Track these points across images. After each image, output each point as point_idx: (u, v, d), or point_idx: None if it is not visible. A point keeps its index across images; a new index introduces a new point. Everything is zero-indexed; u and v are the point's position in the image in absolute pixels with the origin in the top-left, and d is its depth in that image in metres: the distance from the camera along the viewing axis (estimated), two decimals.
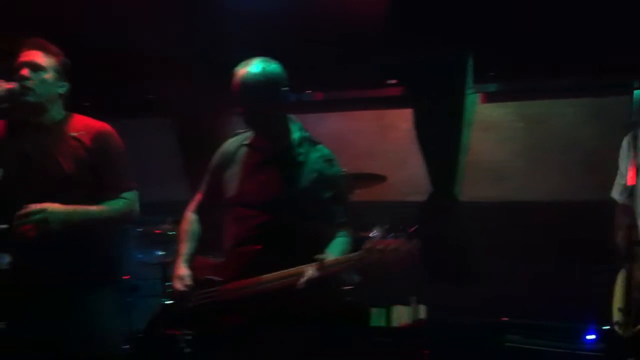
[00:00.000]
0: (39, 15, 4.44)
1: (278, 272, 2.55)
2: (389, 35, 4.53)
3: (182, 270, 2.76)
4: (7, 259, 4.96)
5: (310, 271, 2.49)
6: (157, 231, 4.93)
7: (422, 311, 4.95)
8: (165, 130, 5.60)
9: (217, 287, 2.69)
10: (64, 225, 2.53)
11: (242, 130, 2.90)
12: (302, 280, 2.48)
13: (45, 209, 2.50)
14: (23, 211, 2.47)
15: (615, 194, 3.23)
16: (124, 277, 4.91)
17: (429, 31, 4.48)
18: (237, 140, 2.88)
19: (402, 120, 5.33)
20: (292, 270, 2.54)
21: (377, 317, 4.95)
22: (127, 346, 4.67)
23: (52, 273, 2.63)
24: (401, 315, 4.99)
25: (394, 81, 5.28)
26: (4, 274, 5.00)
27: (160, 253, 5.03)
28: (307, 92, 5.39)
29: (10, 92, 2.56)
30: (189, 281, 2.71)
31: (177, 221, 4.78)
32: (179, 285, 2.71)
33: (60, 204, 2.56)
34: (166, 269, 4.92)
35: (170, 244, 4.92)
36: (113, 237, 2.90)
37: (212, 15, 4.46)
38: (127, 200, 2.77)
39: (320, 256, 2.52)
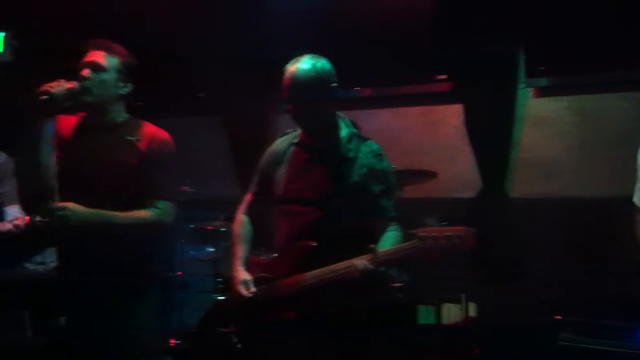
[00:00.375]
0: (89, 15, 4.57)
1: (331, 266, 2.57)
2: (438, 29, 4.50)
3: (243, 274, 2.80)
4: (52, 255, 5.14)
5: (363, 262, 2.51)
6: (209, 227, 5.00)
7: (472, 309, 4.89)
8: (215, 128, 5.67)
9: (271, 284, 2.72)
10: (83, 224, 2.57)
11: (290, 130, 2.92)
12: (356, 270, 2.50)
13: (66, 207, 2.55)
14: (48, 206, 2.54)
15: (636, 199, 3.13)
16: (175, 273, 5.01)
17: (479, 25, 4.43)
18: (286, 140, 2.91)
19: (452, 116, 5.28)
20: (345, 262, 2.55)
21: (426, 315, 4.91)
22: (179, 341, 4.77)
23: (96, 270, 2.68)
24: (451, 313, 4.94)
25: (443, 76, 5.23)
26: (54, 269, 5.18)
27: (210, 249, 5.10)
28: (356, 88, 5.39)
29: (70, 91, 2.59)
30: (252, 287, 2.75)
31: (229, 218, 4.89)
32: (244, 291, 2.74)
33: (84, 205, 2.60)
34: (217, 265, 5.01)
35: (222, 240, 5.00)
36: (160, 235, 2.92)
37: (260, 12, 4.49)
38: (158, 211, 2.77)
39: (372, 246, 2.54)
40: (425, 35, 4.55)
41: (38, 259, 5.29)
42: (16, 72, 5.17)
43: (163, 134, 2.85)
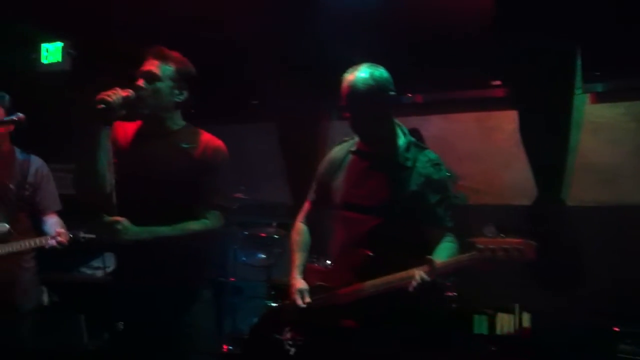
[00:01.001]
0: (146, 22, 4.65)
1: (388, 276, 2.57)
2: (493, 34, 4.44)
3: (300, 282, 2.82)
4: (113, 260, 5.23)
5: (420, 273, 2.50)
6: (262, 234, 5.01)
7: (527, 319, 4.80)
8: (269, 134, 5.70)
9: (328, 293, 2.73)
10: (133, 240, 2.59)
11: (348, 138, 2.92)
12: (413, 282, 2.49)
13: (119, 222, 2.57)
14: (105, 218, 2.56)
15: None
16: (228, 279, 5.05)
17: (535, 30, 4.35)
18: (344, 148, 2.91)
19: (507, 121, 5.19)
20: (402, 273, 2.55)
21: (480, 325, 4.84)
22: (231, 347, 4.80)
23: (151, 276, 2.69)
24: (505, 323, 4.85)
25: (498, 82, 5.16)
26: (111, 274, 5.26)
27: (263, 256, 5.13)
28: (408, 94, 5.35)
29: (125, 99, 2.59)
30: (308, 297, 2.76)
31: (282, 225, 4.92)
32: (300, 301, 2.76)
33: (138, 213, 2.60)
34: (270, 272, 5.03)
35: (275, 247, 5.02)
36: (213, 241, 2.95)
37: (314, 19, 4.51)
38: (209, 221, 2.77)
39: (431, 256, 2.53)
40: (480, 40, 4.49)
41: (95, 263, 5.42)
42: (74, 80, 5.31)
43: (217, 142, 2.84)
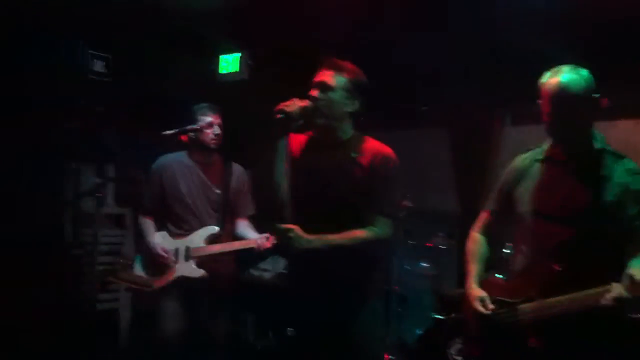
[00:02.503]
0: (319, 34, 4.73)
1: (578, 292, 2.38)
2: None
3: (479, 291, 2.71)
4: (282, 263, 5.37)
5: (619, 289, 2.27)
6: (429, 244, 4.92)
7: None
8: (438, 140, 5.59)
9: (511, 308, 2.59)
10: (305, 248, 2.66)
11: (533, 147, 2.79)
12: (610, 297, 2.27)
13: (292, 230, 2.65)
14: (278, 226, 2.65)
15: None
16: (393, 288, 4.99)
17: None
18: (530, 156, 2.78)
19: None
20: (595, 289, 2.33)
21: None
22: (392, 357, 4.73)
23: (321, 281, 2.76)
24: None
25: None
26: (279, 277, 5.41)
27: (426, 265, 5.02)
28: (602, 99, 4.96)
29: (303, 110, 2.70)
30: (490, 304, 2.65)
31: (449, 234, 4.79)
32: (481, 308, 2.65)
33: (310, 222, 2.68)
34: (435, 282, 4.90)
35: (441, 257, 4.89)
36: (383, 249, 2.93)
37: (487, 22, 4.34)
38: (378, 230, 2.78)
39: (631, 271, 2.29)
40: None
41: (263, 265, 5.60)
42: (252, 91, 5.53)
43: (385, 150, 2.86)
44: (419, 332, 4.74)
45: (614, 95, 4.99)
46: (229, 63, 5.66)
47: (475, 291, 2.70)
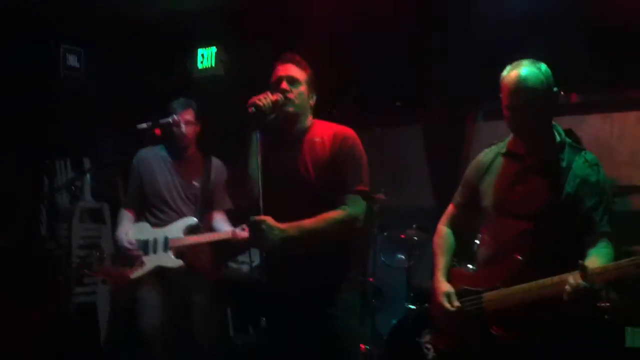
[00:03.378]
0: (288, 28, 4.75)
1: (538, 281, 2.45)
2: None
3: (446, 285, 2.76)
4: (257, 255, 5.38)
5: (575, 278, 2.35)
6: (402, 236, 4.97)
7: None
8: (411, 137, 5.65)
9: (477, 296, 2.64)
10: (280, 238, 2.64)
11: (497, 141, 2.85)
12: (567, 287, 2.35)
13: (265, 222, 2.63)
14: (251, 219, 2.64)
15: None
16: (368, 280, 5.04)
17: None
18: (493, 151, 2.84)
19: None
20: (554, 278, 2.42)
21: (634, 338, 4.49)
22: (369, 347, 4.79)
23: (297, 272, 2.78)
24: None
25: None
26: (257, 269, 5.42)
27: (402, 257, 5.08)
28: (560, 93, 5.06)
29: (275, 103, 2.74)
30: (456, 300, 2.70)
31: (421, 227, 4.85)
32: (447, 304, 2.70)
33: (282, 211, 2.67)
34: (409, 274, 4.97)
35: (414, 249, 4.96)
36: (356, 234, 2.92)
37: (464, 17, 4.41)
38: (348, 209, 2.77)
39: (584, 262, 2.36)
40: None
41: (241, 258, 5.61)
42: (226, 85, 5.54)
43: (345, 130, 2.89)
44: (394, 322, 4.80)
45: (583, 92, 5.16)
46: (205, 58, 5.67)
47: (442, 285, 2.76)
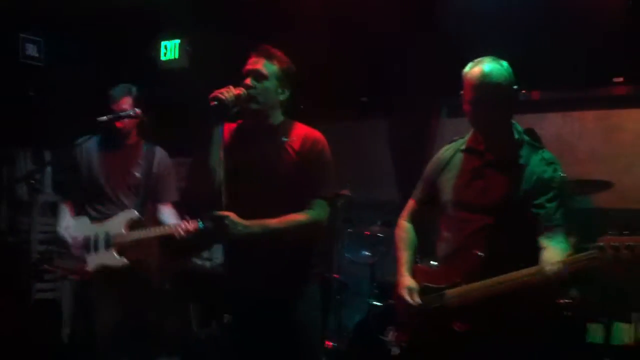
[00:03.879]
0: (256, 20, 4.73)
1: (499, 277, 2.47)
2: (617, 29, 4.18)
3: (409, 280, 2.77)
4: (219, 252, 5.36)
5: (538, 271, 2.39)
6: (367, 232, 4.99)
7: None
8: (376, 132, 5.67)
9: (439, 294, 2.66)
10: (242, 234, 2.65)
11: (457, 137, 2.87)
12: (532, 280, 2.38)
13: (228, 217, 2.63)
14: (213, 213, 2.63)
15: None
16: (334, 275, 5.06)
17: None
18: (453, 147, 2.86)
19: (630, 120, 4.91)
20: (514, 273, 2.44)
21: (595, 334, 4.59)
22: (335, 344, 4.81)
23: (259, 268, 2.77)
24: (622, 333, 4.58)
25: (620, 79, 4.86)
26: (217, 266, 5.38)
27: (367, 253, 5.10)
28: (522, 91, 5.14)
29: (237, 97, 2.70)
30: (417, 295, 2.71)
31: (386, 223, 4.88)
32: (409, 299, 2.71)
33: (245, 207, 2.67)
34: (374, 269, 4.99)
35: (378, 245, 4.98)
36: (319, 235, 2.93)
37: (435, 14, 4.44)
38: (314, 212, 2.80)
39: (542, 262, 2.41)
40: (602, 35, 4.24)
41: (205, 254, 5.58)
42: (191, 77, 5.49)
43: (315, 133, 2.89)
44: (359, 318, 4.82)
45: (544, 90, 5.25)
46: (169, 50, 5.60)
47: (405, 280, 2.77)
